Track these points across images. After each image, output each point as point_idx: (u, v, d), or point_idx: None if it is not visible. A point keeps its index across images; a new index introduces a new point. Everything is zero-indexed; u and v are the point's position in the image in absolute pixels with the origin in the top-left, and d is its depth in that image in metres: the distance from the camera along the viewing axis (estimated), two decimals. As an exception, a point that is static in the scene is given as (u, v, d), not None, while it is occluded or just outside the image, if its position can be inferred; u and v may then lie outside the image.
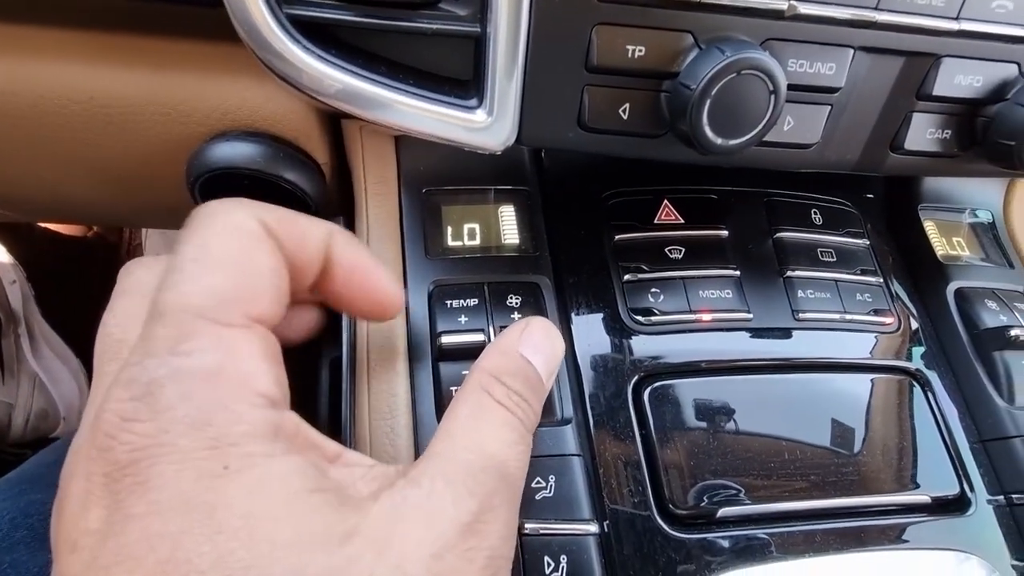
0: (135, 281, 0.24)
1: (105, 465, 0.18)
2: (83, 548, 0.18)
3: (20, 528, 0.42)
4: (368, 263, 0.28)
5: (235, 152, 0.35)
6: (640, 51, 0.27)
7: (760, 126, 0.27)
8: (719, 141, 0.27)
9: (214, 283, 0.21)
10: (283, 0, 0.27)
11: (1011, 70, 0.30)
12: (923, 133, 0.31)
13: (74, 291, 1.15)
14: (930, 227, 0.46)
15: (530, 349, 0.29)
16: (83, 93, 0.35)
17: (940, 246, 0.45)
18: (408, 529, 0.19)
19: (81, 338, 1.09)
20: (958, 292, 0.43)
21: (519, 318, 0.35)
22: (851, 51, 0.28)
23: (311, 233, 0.25)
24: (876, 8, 0.27)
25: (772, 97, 0.26)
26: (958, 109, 0.31)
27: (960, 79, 0.30)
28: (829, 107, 0.30)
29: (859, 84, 0.30)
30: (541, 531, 0.29)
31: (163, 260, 0.25)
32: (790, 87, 0.29)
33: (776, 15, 0.26)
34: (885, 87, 0.30)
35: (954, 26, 0.28)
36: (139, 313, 0.23)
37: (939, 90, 0.30)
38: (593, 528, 0.30)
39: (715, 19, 0.27)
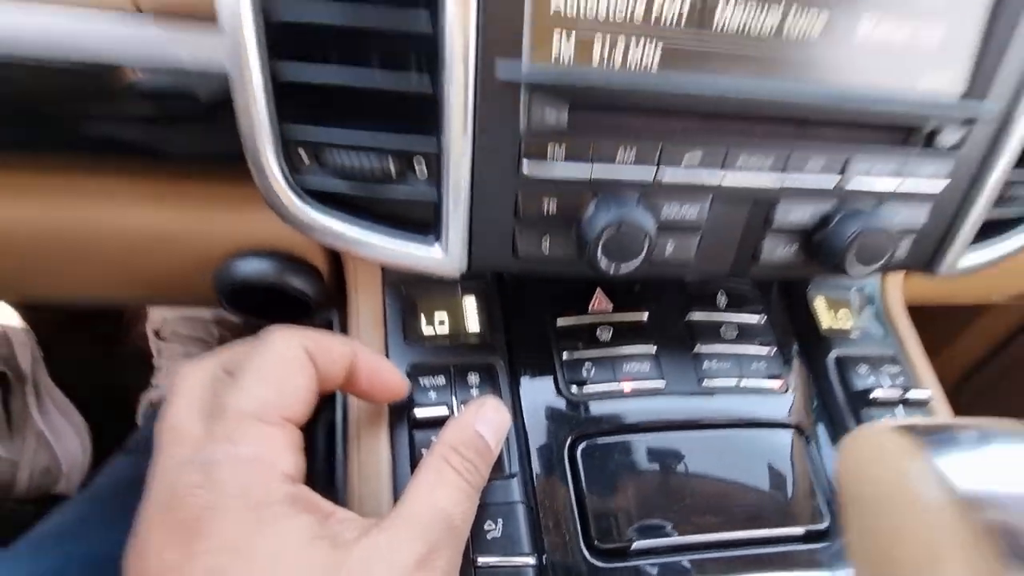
0: (190, 385, 0.34)
1: (179, 520, 0.28)
2: None
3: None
4: (384, 367, 0.39)
5: (251, 268, 0.45)
6: (553, 205, 0.37)
7: (642, 257, 0.37)
8: (612, 270, 0.37)
9: (263, 394, 0.31)
10: (297, 173, 0.37)
11: (832, 204, 0.41)
12: (775, 251, 0.42)
13: (79, 349, 1.21)
14: (820, 303, 0.56)
15: (483, 425, 0.38)
16: (118, 229, 0.45)
17: (827, 319, 0.55)
18: (377, 565, 0.29)
19: (85, 395, 1.11)
20: (837, 359, 0.52)
21: (477, 394, 0.44)
22: (709, 198, 0.39)
23: (339, 352, 0.36)
24: (722, 168, 0.38)
25: (647, 239, 0.37)
26: (797, 234, 0.41)
27: (794, 215, 0.40)
28: (699, 235, 0.40)
29: (720, 219, 0.40)
30: (490, 564, 0.38)
31: (211, 365, 0.34)
32: (667, 224, 0.39)
33: (647, 184, 0.37)
34: (740, 221, 0.40)
35: (780, 184, 0.38)
36: (194, 409, 0.32)
37: (779, 224, 0.40)
38: (532, 560, 0.39)
39: (607, 183, 0.37)
